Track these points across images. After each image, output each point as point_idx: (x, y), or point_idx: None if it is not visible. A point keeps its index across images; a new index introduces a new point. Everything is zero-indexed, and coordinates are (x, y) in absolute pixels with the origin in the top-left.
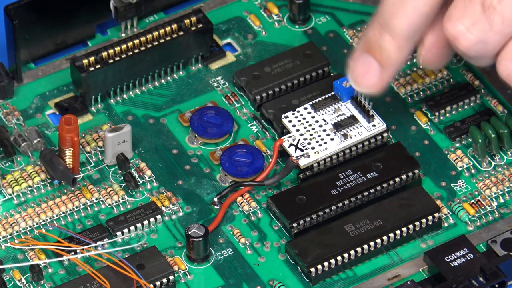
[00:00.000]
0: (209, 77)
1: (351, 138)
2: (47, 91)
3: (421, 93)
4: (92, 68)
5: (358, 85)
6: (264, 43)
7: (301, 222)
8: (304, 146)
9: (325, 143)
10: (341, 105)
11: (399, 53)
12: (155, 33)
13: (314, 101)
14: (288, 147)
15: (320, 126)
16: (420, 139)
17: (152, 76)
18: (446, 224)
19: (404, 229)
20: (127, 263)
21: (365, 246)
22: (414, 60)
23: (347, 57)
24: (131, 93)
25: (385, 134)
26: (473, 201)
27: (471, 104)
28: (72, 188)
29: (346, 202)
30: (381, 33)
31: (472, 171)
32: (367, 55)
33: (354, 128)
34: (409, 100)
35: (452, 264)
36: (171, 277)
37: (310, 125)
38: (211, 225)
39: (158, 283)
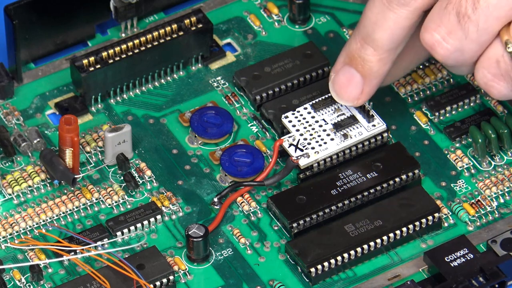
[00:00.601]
0: (209, 77)
1: (351, 138)
2: (47, 91)
3: (421, 93)
4: (92, 68)
5: (340, 97)
6: (264, 43)
7: (301, 222)
8: (304, 146)
9: (325, 143)
10: (341, 105)
11: (381, 65)
12: (155, 33)
13: (314, 101)
14: (288, 147)
15: (320, 126)
16: (420, 139)
17: (152, 76)
18: (446, 224)
19: (404, 229)
20: (127, 263)
21: (365, 246)
22: None
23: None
24: (131, 93)
25: (385, 134)
26: (473, 201)
27: (471, 104)
28: (72, 188)
29: (346, 202)
30: (363, 46)
31: (472, 171)
32: (349, 67)
33: (354, 128)
34: (409, 100)
35: (452, 264)
36: (171, 277)
37: (310, 125)
38: (211, 225)
39: (158, 283)
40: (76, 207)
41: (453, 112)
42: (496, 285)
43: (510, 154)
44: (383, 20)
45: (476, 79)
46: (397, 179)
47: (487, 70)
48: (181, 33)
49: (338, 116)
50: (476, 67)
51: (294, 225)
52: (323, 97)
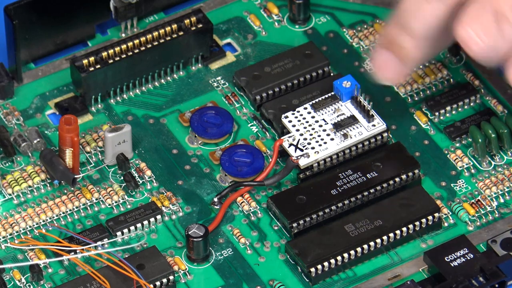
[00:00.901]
0: (209, 77)
1: (351, 138)
2: (47, 91)
3: (421, 93)
4: (92, 68)
5: (380, 77)
6: (264, 43)
7: (301, 222)
8: (304, 146)
9: (325, 143)
10: (341, 105)
11: (418, 51)
12: (155, 33)
13: (314, 101)
14: (288, 147)
15: (320, 126)
16: (420, 139)
17: (152, 76)
18: (446, 224)
19: (404, 229)
20: (127, 263)
21: (365, 246)
22: None
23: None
24: (131, 93)
25: (385, 134)
26: (473, 201)
27: (471, 104)
28: (72, 188)
29: (346, 202)
30: (400, 33)
31: (472, 171)
32: (387, 51)
33: (354, 128)
34: (409, 100)
35: (452, 264)
36: (171, 277)
37: (310, 125)
38: (211, 225)
39: (158, 283)
40: (76, 207)
41: (453, 112)
42: (496, 285)
43: (510, 154)
44: (419, 10)
45: (508, 77)
46: (397, 179)
47: None
48: (181, 33)
49: (338, 116)
50: (508, 65)
51: (294, 225)
52: (323, 97)
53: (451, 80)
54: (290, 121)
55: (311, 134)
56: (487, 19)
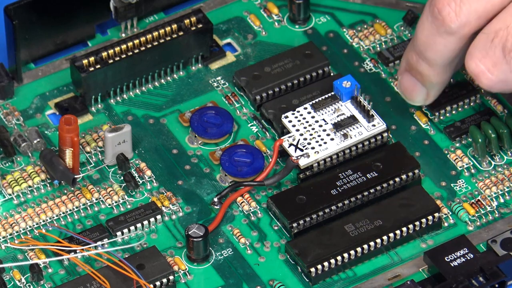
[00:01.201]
0: (209, 77)
1: (351, 138)
2: (47, 91)
3: None
4: (92, 68)
5: (408, 100)
6: (264, 43)
7: (301, 222)
8: (304, 146)
9: (325, 143)
10: (341, 105)
11: (439, 76)
12: (155, 33)
13: (314, 101)
14: (288, 147)
15: (320, 126)
16: (420, 139)
17: (152, 76)
18: (446, 224)
19: (404, 229)
20: (127, 263)
21: (365, 246)
22: None
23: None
24: (131, 93)
25: (385, 134)
26: (473, 201)
27: (471, 104)
28: (72, 188)
29: (346, 202)
30: (418, 60)
31: (472, 171)
32: (411, 76)
33: (354, 128)
34: None
35: (452, 264)
36: (171, 277)
37: (310, 125)
38: (211, 225)
39: (158, 283)
40: (76, 207)
41: (453, 112)
42: (496, 285)
43: (510, 154)
44: (433, 43)
45: None
46: (397, 179)
47: None
48: (181, 33)
49: (338, 116)
50: None
51: (294, 225)
52: (323, 97)
53: (451, 80)
54: (290, 121)
55: (311, 134)
56: (496, 54)
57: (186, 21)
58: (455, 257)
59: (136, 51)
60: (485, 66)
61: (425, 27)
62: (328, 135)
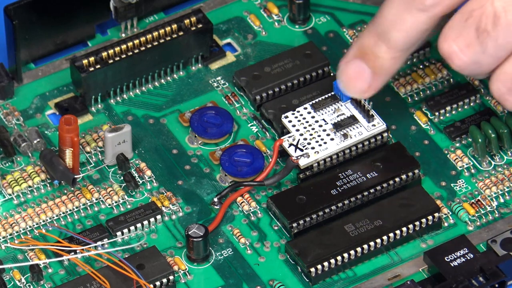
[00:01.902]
0: (209, 77)
1: (351, 138)
2: (47, 91)
3: (421, 93)
4: (92, 68)
5: (348, 89)
6: (264, 43)
7: (301, 222)
8: (304, 146)
9: (325, 143)
10: (341, 105)
11: (393, 63)
12: (155, 33)
13: (314, 101)
14: (288, 147)
15: (320, 126)
16: (420, 139)
17: (152, 76)
18: (446, 224)
19: (404, 229)
20: (127, 263)
21: (365, 246)
22: (415, 60)
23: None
24: (131, 93)
25: (385, 134)
26: (473, 201)
27: (471, 104)
28: (72, 188)
29: (346, 202)
30: (376, 42)
31: (472, 171)
32: (360, 61)
33: (354, 128)
34: (409, 100)
35: (452, 264)
36: (171, 277)
37: (310, 125)
38: (211, 225)
39: (158, 283)
40: (76, 207)
41: (453, 112)
42: (496, 285)
43: (510, 154)
44: (400, 21)
45: (491, 90)
46: (397, 179)
47: (502, 84)
48: (181, 33)
49: (338, 116)
50: (492, 80)
51: (294, 225)
52: (323, 97)
53: (451, 80)
54: (290, 121)
55: (311, 134)
56: (470, 35)
57: (186, 21)
58: (455, 257)
59: (136, 51)
60: (458, 47)
61: (394, 4)
62: (328, 135)
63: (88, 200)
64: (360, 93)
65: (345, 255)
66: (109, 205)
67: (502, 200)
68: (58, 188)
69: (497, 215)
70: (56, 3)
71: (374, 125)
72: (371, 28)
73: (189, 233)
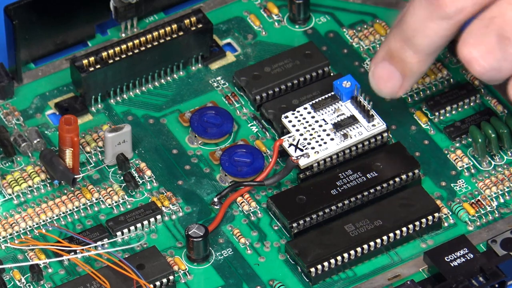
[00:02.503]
0: (209, 77)
1: (351, 138)
2: (47, 91)
3: (421, 93)
4: (92, 68)
5: (379, 90)
6: (264, 43)
7: (301, 222)
8: (304, 146)
9: (325, 143)
10: (341, 105)
11: (421, 65)
12: (155, 33)
13: (314, 101)
14: (288, 147)
15: (320, 126)
16: (420, 139)
17: (152, 76)
18: (446, 224)
19: (404, 229)
20: (127, 263)
21: (365, 246)
22: None
23: (348, 57)
24: (131, 93)
25: (385, 134)
26: (473, 201)
27: (471, 104)
28: (72, 188)
29: (346, 202)
30: (403, 47)
31: (472, 171)
32: (389, 64)
33: (354, 128)
34: (409, 100)
35: (452, 264)
36: (171, 277)
37: (310, 125)
38: (211, 225)
39: (158, 283)
40: (76, 207)
41: (453, 112)
42: (496, 285)
43: (510, 154)
44: (423, 28)
45: (508, 94)
46: (397, 179)
47: None
48: (181, 33)
49: (338, 116)
50: (510, 84)
51: (294, 225)
52: (323, 97)
53: (451, 80)
54: (290, 121)
55: (311, 134)
56: (491, 41)
57: (186, 21)
58: (455, 257)
59: (136, 51)
60: (479, 53)
61: (416, 11)
62: (328, 135)
63: (88, 200)
64: (391, 94)
65: (345, 255)
66: (109, 205)
67: (502, 200)
68: (58, 188)
69: (497, 215)
70: (56, 3)
71: (374, 125)
72: (396, 32)
73: (189, 233)
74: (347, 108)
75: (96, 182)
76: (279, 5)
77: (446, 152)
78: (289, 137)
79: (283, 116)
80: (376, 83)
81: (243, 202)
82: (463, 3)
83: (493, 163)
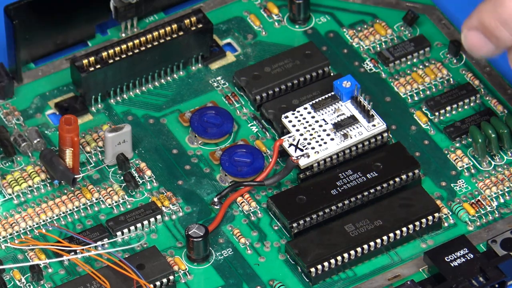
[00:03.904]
0: (209, 77)
1: (351, 138)
2: (47, 91)
3: (421, 93)
4: (92, 68)
5: (473, 54)
6: (264, 43)
7: (301, 222)
8: (304, 146)
9: (325, 143)
10: (341, 105)
11: None
12: (155, 33)
13: (314, 101)
14: (288, 147)
15: (320, 126)
16: (420, 139)
17: (152, 76)
18: (446, 224)
19: (404, 229)
20: (127, 263)
21: (365, 246)
22: (415, 60)
23: (348, 57)
24: (131, 93)
25: (385, 134)
26: (473, 201)
27: (471, 104)
28: (72, 188)
29: (346, 202)
30: (498, 27)
31: (472, 171)
32: (483, 35)
33: (354, 128)
34: (409, 100)
35: (452, 264)
36: (171, 277)
37: (310, 125)
38: (211, 225)
39: (158, 283)
40: (76, 207)
41: (453, 112)
42: (496, 285)
43: (510, 154)
44: None
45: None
46: (397, 179)
47: None
48: (181, 33)
49: (338, 116)
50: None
51: (294, 225)
52: (323, 97)
53: (451, 80)
54: (290, 121)
55: (311, 134)
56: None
57: (186, 21)
58: (455, 257)
59: (136, 51)
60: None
61: None
62: (328, 135)
63: (88, 200)
64: (484, 57)
65: (345, 255)
66: (109, 205)
67: (502, 200)
68: (58, 188)
69: (497, 215)
70: (56, 3)
71: (374, 125)
72: (492, 11)
73: (189, 233)
74: (347, 108)
75: (96, 182)
76: (279, 5)
77: (446, 152)
78: (289, 137)
79: (283, 116)
80: (469, 48)
81: (243, 202)
82: None
83: (493, 163)
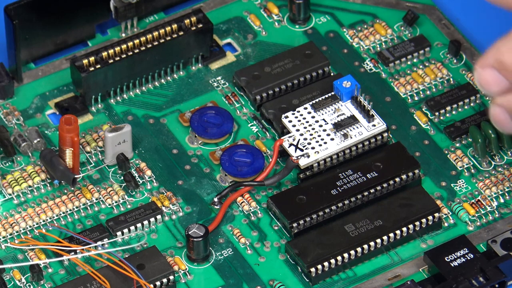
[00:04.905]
0: (209, 77)
1: (351, 138)
2: (47, 91)
3: (421, 93)
4: (92, 68)
5: (485, 91)
6: (264, 43)
7: (301, 222)
8: (304, 146)
9: (325, 143)
10: (341, 105)
11: None
12: (155, 33)
13: (314, 101)
14: (288, 147)
15: (320, 126)
16: (420, 139)
17: (152, 76)
18: (446, 224)
19: (404, 229)
20: (127, 263)
21: (365, 246)
22: (415, 60)
23: (348, 57)
24: (131, 93)
25: (385, 134)
26: (473, 201)
27: (471, 104)
28: (72, 188)
29: (346, 202)
30: None
31: (472, 171)
32: (498, 73)
33: (354, 128)
34: (409, 100)
35: (452, 264)
36: (171, 277)
37: (310, 125)
38: (211, 225)
39: (158, 283)
40: (76, 207)
41: (453, 112)
42: (496, 285)
43: (510, 154)
44: None
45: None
46: (397, 179)
47: None
48: (181, 33)
49: (338, 116)
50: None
51: (294, 225)
52: (323, 97)
53: (451, 80)
54: (290, 121)
55: (311, 134)
56: None
57: (186, 21)
58: (455, 257)
59: (136, 51)
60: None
61: None
62: (328, 135)
63: (88, 200)
64: (497, 95)
65: (345, 255)
66: (109, 205)
67: (502, 200)
68: (58, 188)
69: (497, 215)
70: (56, 3)
71: (374, 125)
72: (509, 47)
73: (189, 233)
74: (347, 108)
75: (96, 182)
76: (279, 5)
77: (446, 152)
78: (289, 137)
79: (283, 116)
80: (482, 84)
81: (243, 202)
82: None
83: (493, 163)
